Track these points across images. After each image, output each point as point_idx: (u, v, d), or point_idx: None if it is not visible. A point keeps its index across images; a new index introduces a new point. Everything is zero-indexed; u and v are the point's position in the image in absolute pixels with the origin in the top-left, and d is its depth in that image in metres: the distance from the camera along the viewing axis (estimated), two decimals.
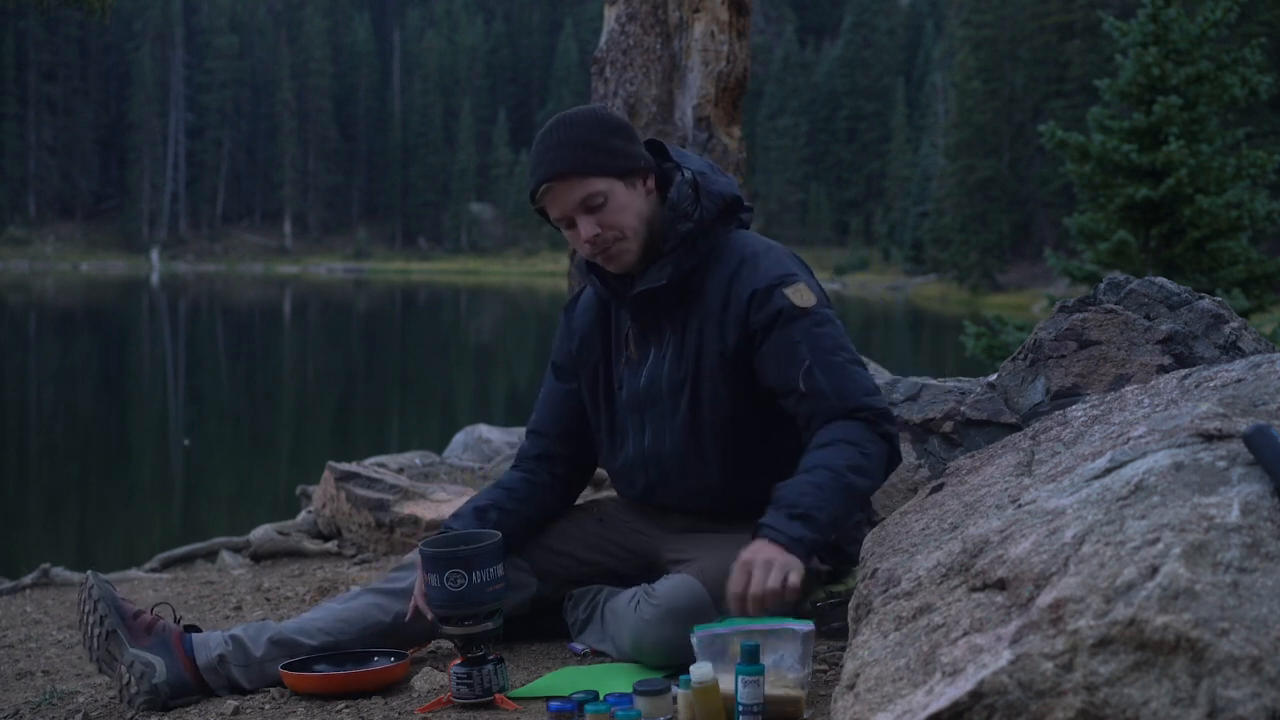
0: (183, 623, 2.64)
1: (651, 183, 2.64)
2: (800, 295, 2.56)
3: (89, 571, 2.63)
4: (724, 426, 2.62)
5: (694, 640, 2.25)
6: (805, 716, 2.17)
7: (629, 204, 2.58)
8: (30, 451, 15.07)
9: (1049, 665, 1.55)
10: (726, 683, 2.17)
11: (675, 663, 2.39)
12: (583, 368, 2.79)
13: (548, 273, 58.78)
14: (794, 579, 2.27)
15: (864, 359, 2.72)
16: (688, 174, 2.64)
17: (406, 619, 2.61)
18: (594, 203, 2.56)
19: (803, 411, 2.53)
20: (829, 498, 2.37)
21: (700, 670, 2.12)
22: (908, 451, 3.12)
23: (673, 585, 2.48)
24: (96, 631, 2.54)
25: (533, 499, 2.76)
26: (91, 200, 69.36)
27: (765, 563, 2.29)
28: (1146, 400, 2.29)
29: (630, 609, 2.52)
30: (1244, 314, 9.41)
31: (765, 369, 2.57)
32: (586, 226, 2.57)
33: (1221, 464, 1.78)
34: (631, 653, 2.51)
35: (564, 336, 2.85)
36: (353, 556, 4.97)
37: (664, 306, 2.65)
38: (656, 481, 2.72)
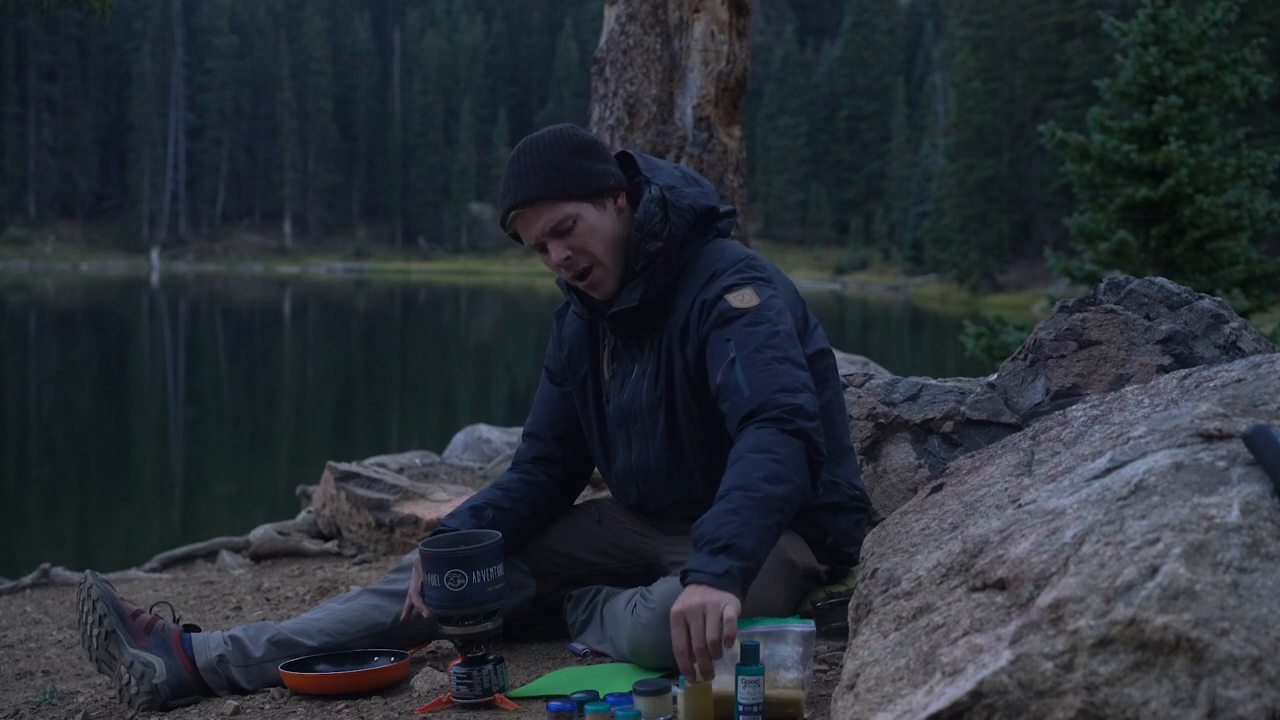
0: (181, 622, 2.64)
1: (623, 200, 2.62)
2: (741, 298, 2.53)
3: (87, 571, 2.63)
4: (702, 440, 2.62)
5: None
6: (805, 716, 2.17)
7: (598, 226, 2.57)
8: (30, 451, 15.07)
9: (1049, 665, 1.55)
10: (727, 683, 2.17)
11: (672, 665, 2.38)
12: (573, 377, 2.79)
13: (548, 273, 58.32)
14: (729, 613, 2.17)
15: (865, 357, 2.70)
16: (655, 190, 2.60)
17: (401, 619, 2.62)
18: (563, 227, 2.55)
19: (725, 410, 2.48)
20: (748, 519, 2.27)
21: None
22: (908, 451, 3.12)
23: (669, 588, 2.47)
24: (96, 632, 2.54)
25: (529, 499, 2.76)
26: (91, 200, 69.28)
27: (697, 611, 2.17)
28: (1146, 400, 2.29)
29: (627, 613, 2.52)
30: (1244, 314, 9.42)
31: (707, 375, 2.54)
32: (557, 251, 2.56)
33: (1221, 464, 1.78)
34: (629, 656, 2.51)
35: (555, 343, 2.85)
36: (353, 556, 4.97)
37: (642, 323, 2.64)
38: (646, 493, 2.73)
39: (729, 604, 2.18)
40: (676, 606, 2.19)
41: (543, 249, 2.59)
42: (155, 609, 2.63)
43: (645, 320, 2.64)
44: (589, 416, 2.78)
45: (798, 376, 2.46)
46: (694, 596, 2.19)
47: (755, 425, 2.39)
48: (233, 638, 2.59)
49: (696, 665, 2.15)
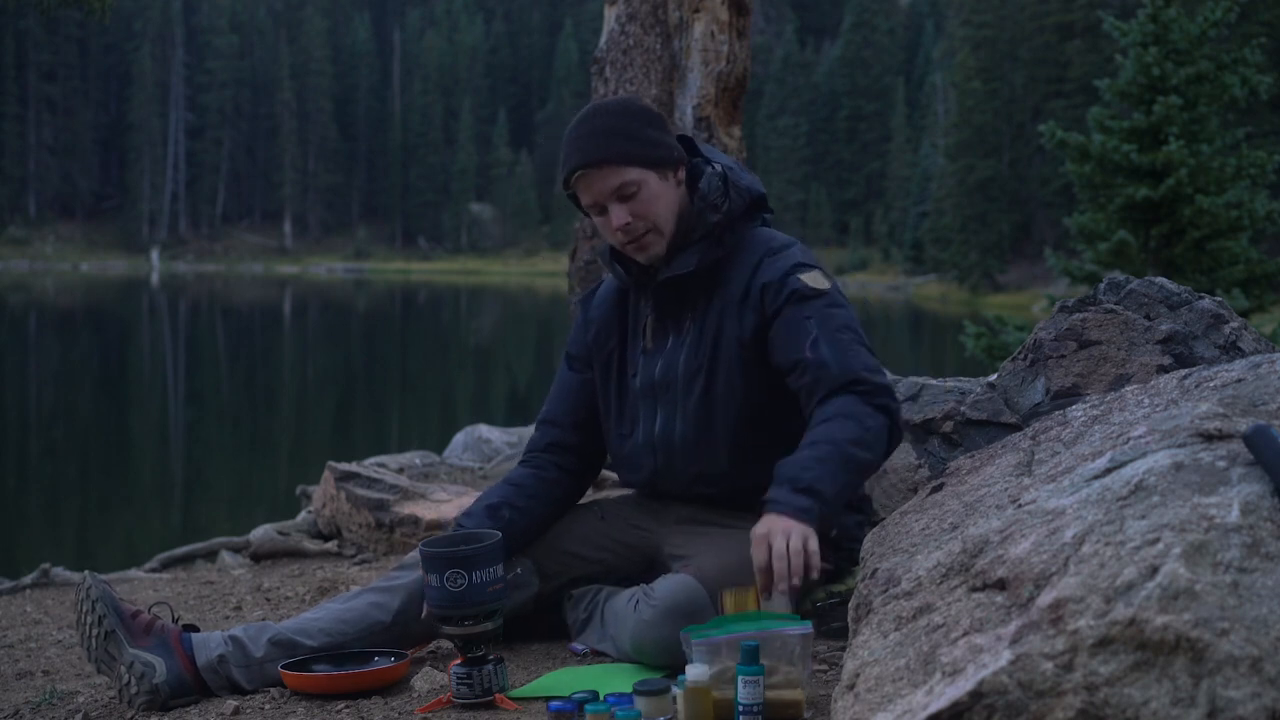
0: (181, 622, 2.64)
1: (682, 174, 2.70)
2: (815, 280, 2.62)
3: (86, 572, 2.63)
4: (736, 413, 2.66)
5: (692, 646, 2.24)
6: (805, 717, 2.17)
7: (661, 194, 2.64)
8: (30, 451, 15.07)
9: (1049, 665, 1.55)
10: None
11: (675, 663, 2.38)
12: (597, 355, 2.83)
13: (548, 273, 58.75)
14: (813, 544, 2.29)
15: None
16: (718, 167, 2.70)
17: (423, 616, 2.60)
18: (627, 191, 2.61)
19: (805, 383, 2.55)
20: (832, 471, 2.38)
21: (692, 671, 2.13)
22: (908, 451, 3.12)
23: (671, 586, 2.48)
24: (95, 632, 2.53)
25: (542, 495, 2.78)
26: (91, 200, 69.22)
27: (783, 531, 2.29)
28: (1146, 400, 2.29)
29: (629, 610, 2.53)
30: (1244, 314, 9.41)
31: (775, 346, 2.60)
32: (619, 215, 2.62)
33: (1221, 464, 1.78)
34: (631, 653, 2.52)
35: (580, 327, 2.89)
36: (353, 556, 4.97)
37: (687, 294, 2.70)
38: (663, 467, 2.74)
39: (810, 535, 2.30)
40: (759, 529, 2.31)
41: (601, 212, 2.65)
42: (154, 609, 2.62)
43: (692, 290, 2.69)
44: (609, 393, 2.81)
45: (876, 361, 2.58)
46: (777, 521, 2.31)
47: (844, 395, 2.49)
48: (233, 638, 2.59)
49: (776, 568, 2.27)
